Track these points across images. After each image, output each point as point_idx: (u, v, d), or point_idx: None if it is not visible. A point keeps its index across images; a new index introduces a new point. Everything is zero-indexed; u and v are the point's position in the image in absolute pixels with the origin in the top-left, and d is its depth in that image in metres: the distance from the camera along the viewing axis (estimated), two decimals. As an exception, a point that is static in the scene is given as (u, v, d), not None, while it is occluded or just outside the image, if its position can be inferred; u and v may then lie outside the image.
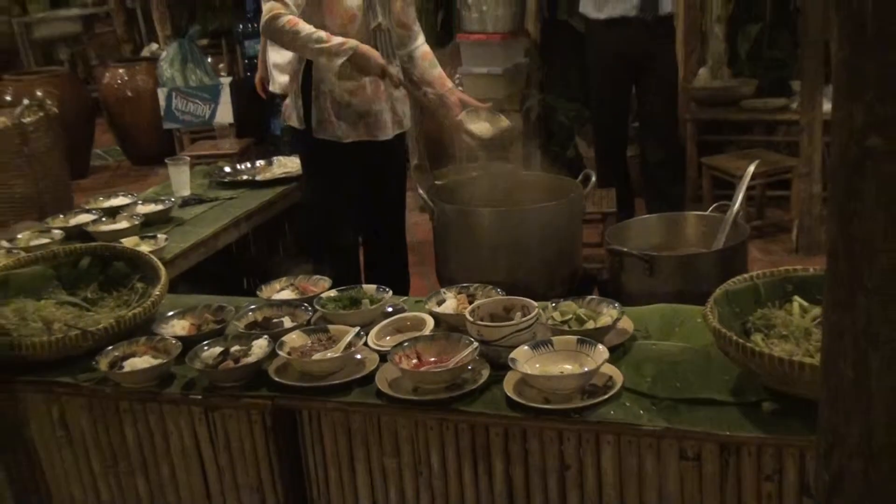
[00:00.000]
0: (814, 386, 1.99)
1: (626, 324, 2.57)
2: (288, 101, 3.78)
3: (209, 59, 7.79)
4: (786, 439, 2.06)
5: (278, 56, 4.91)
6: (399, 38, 3.72)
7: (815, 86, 5.00)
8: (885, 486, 1.40)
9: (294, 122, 3.72)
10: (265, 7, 3.41)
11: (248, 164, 4.58)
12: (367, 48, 3.40)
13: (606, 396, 2.22)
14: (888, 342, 1.32)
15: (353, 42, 3.37)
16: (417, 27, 3.82)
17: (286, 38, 3.40)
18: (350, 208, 3.77)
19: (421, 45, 3.82)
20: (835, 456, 1.39)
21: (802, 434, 2.04)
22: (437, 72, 3.79)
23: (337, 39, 3.36)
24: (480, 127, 3.72)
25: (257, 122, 7.76)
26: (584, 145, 6.36)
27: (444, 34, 7.56)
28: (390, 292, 2.89)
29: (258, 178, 4.40)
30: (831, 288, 1.33)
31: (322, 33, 3.36)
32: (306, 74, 3.60)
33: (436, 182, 3.81)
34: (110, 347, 2.67)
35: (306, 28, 3.36)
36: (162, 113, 7.55)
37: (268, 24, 3.39)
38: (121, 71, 8.18)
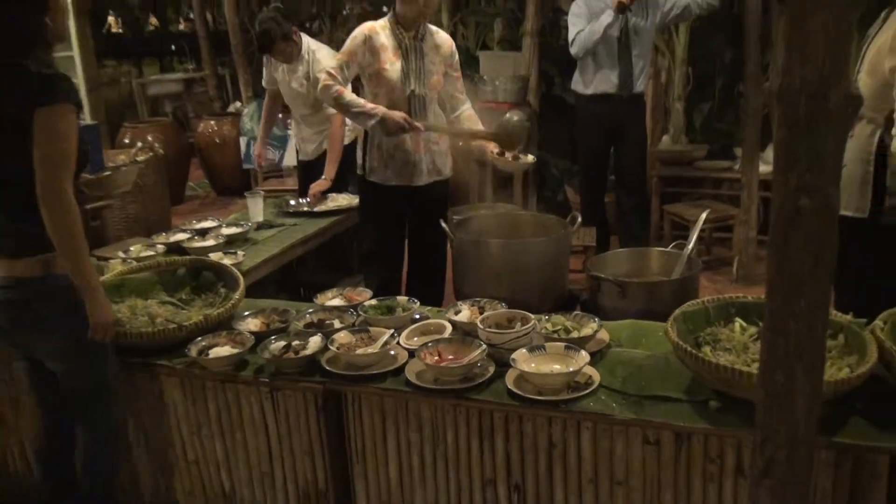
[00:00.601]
0: (750, 389, 1.98)
1: (604, 335, 2.55)
2: (358, 151, 3.78)
3: (280, 115, 7.80)
4: (727, 431, 2.05)
5: (305, 132, 4.85)
6: (450, 105, 3.77)
7: (752, 153, 4.99)
8: (802, 470, 1.40)
9: (357, 168, 3.76)
10: (321, 78, 3.49)
11: (308, 199, 4.58)
12: (392, 114, 3.41)
13: (587, 392, 2.21)
14: (809, 356, 1.33)
15: (381, 109, 3.42)
16: (464, 97, 3.82)
17: (335, 104, 3.50)
18: (393, 236, 3.78)
19: (467, 109, 3.82)
20: (767, 446, 1.39)
21: (740, 427, 2.04)
22: (478, 127, 3.78)
23: (369, 106, 3.44)
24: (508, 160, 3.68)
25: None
26: (571, 192, 6.35)
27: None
28: (418, 303, 2.88)
29: (315, 209, 4.40)
30: (770, 314, 1.33)
31: (360, 101, 3.46)
32: (366, 132, 3.64)
33: (454, 217, 3.79)
34: (199, 338, 2.68)
35: (349, 96, 3.45)
36: (242, 156, 7.60)
37: (322, 92, 3.50)
38: (212, 122, 8.21)
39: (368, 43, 3.50)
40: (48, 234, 2.19)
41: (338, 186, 4.52)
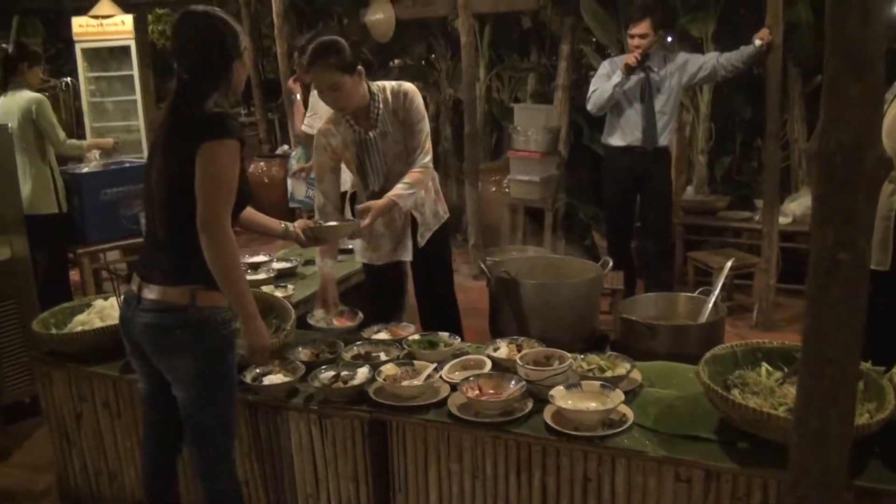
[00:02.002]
0: (777, 431, 1.99)
1: (636, 375, 2.56)
2: None
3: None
4: (754, 471, 2.05)
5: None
6: (410, 159, 3.29)
7: (773, 204, 4.99)
8: (834, 509, 1.40)
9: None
10: (429, 159, 3.25)
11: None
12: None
13: (621, 429, 2.22)
14: (842, 401, 1.33)
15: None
16: (422, 152, 3.27)
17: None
18: (395, 300, 3.60)
19: (416, 167, 3.26)
20: (799, 487, 1.40)
21: (766, 467, 2.03)
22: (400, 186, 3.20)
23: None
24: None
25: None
26: (598, 237, 6.37)
27: (496, 151, 7.67)
28: (459, 339, 2.90)
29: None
30: (806, 360, 1.34)
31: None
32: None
33: (490, 259, 3.81)
34: (253, 366, 2.70)
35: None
36: (288, 195, 7.68)
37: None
38: (261, 163, 8.34)
39: (329, 149, 3.28)
40: (207, 264, 2.21)
41: None
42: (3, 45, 4.84)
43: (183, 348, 2.30)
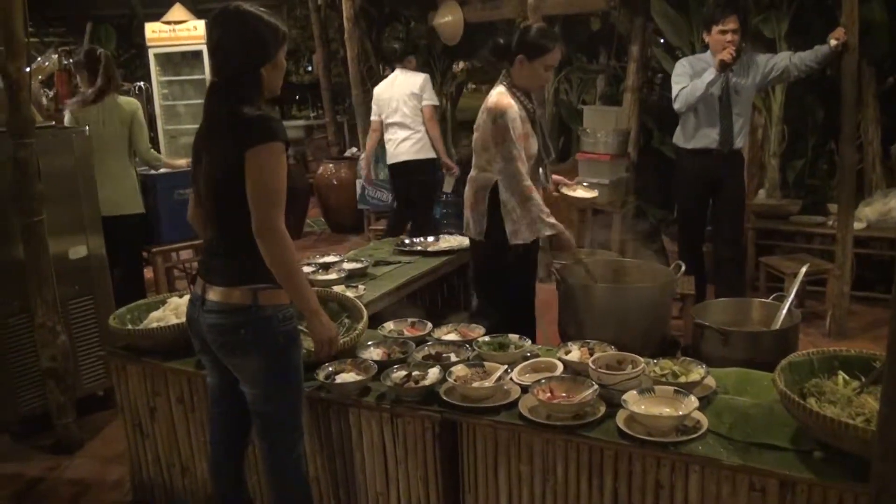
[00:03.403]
0: (854, 442, 1.95)
1: (710, 381, 2.52)
2: (468, 215, 3.64)
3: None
4: (830, 482, 2.01)
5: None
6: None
7: (848, 209, 4.86)
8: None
9: (473, 233, 3.61)
10: (512, 168, 3.37)
11: (423, 238, 4.67)
12: (568, 236, 3.45)
13: (695, 436, 2.19)
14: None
15: (561, 226, 3.41)
16: None
17: (522, 197, 3.39)
18: (522, 289, 3.70)
19: None
20: (883, 498, 1.37)
21: (843, 479, 1.99)
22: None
23: (552, 218, 3.40)
24: (577, 193, 3.77)
25: (423, 208, 7.91)
26: (667, 241, 6.30)
27: (563, 153, 7.65)
28: (529, 341, 2.90)
29: (429, 249, 4.48)
30: (890, 370, 1.32)
31: (545, 208, 3.40)
32: (495, 199, 3.49)
33: (559, 262, 3.81)
34: (326, 364, 2.74)
35: (537, 196, 3.41)
36: (357, 197, 7.79)
37: (516, 182, 3.38)
38: (330, 166, 8.44)
39: (520, 117, 3.43)
40: (267, 266, 2.25)
41: None
42: (76, 55, 4.95)
43: (248, 347, 2.34)
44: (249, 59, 2.29)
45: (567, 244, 3.47)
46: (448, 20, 7.38)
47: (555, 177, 3.83)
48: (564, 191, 3.83)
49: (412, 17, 8.96)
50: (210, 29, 2.35)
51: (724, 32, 4.64)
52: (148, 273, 5.45)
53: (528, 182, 3.38)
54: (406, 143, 6.20)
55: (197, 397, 3.00)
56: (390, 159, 6.43)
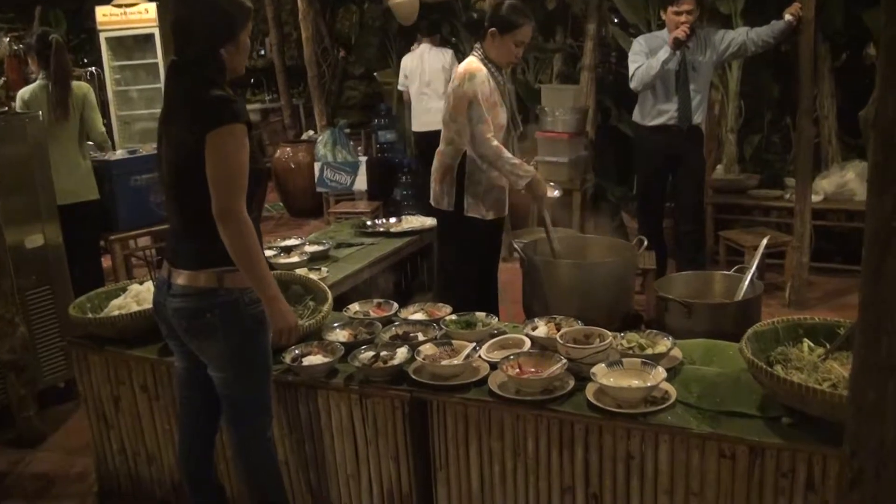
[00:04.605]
0: (821, 407, 1.99)
1: (676, 352, 2.55)
2: (437, 188, 3.71)
3: (351, 143, 7.94)
4: (798, 446, 2.04)
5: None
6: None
7: (805, 182, 4.93)
8: (891, 482, 1.39)
9: (444, 205, 3.67)
10: (479, 129, 3.40)
11: (384, 220, 4.65)
12: (541, 181, 3.50)
13: (664, 406, 2.21)
14: (901, 373, 1.32)
15: (532, 170, 3.46)
16: None
17: (492, 155, 3.42)
18: (477, 264, 3.73)
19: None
20: (856, 459, 1.39)
21: (811, 443, 2.03)
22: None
23: (526, 166, 3.45)
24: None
25: (383, 190, 7.88)
26: (627, 218, 6.34)
27: (522, 132, 7.64)
28: (496, 318, 2.90)
29: (392, 230, 4.46)
30: (862, 331, 1.33)
31: (516, 159, 3.44)
32: (461, 171, 3.56)
33: (520, 240, 3.81)
34: (293, 347, 2.72)
35: (506, 152, 3.43)
36: (316, 180, 7.72)
37: (484, 143, 3.40)
38: (288, 149, 8.34)
39: (490, 84, 3.48)
40: (227, 250, 2.22)
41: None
42: (27, 39, 4.80)
43: (214, 330, 2.31)
44: (212, 37, 2.23)
45: (540, 188, 3.49)
46: (403, 0, 7.32)
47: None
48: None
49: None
50: (174, 4, 2.28)
51: (678, 13, 4.68)
52: (106, 261, 5.35)
53: (496, 142, 3.40)
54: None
55: (161, 385, 2.96)
56: (420, 127, 7.08)
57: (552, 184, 4.03)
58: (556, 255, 3.59)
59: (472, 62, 3.51)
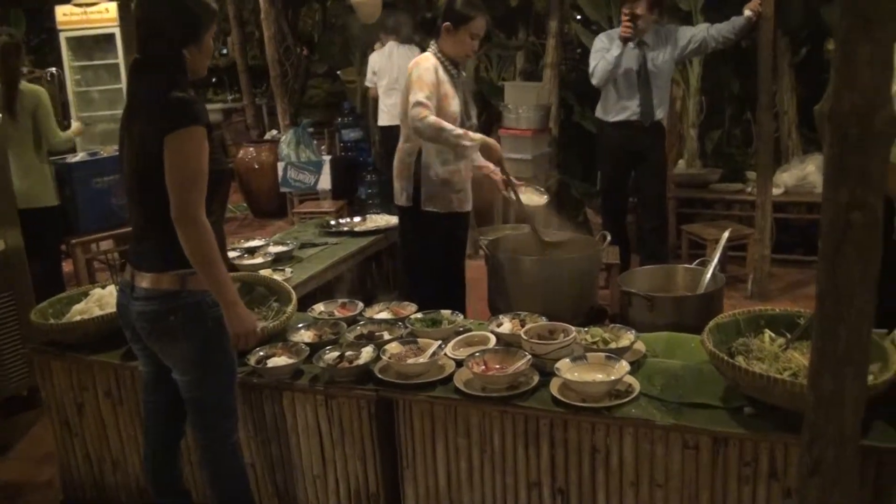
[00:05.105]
0: (782, 396, 2.01)
1: (640, 346, 2.57)
2: (396, 185, 3.71)
3: (315, 142, 7.89)
4: (761, 435, 2.06)
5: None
6: None
7: (766, 175, 4.99)
8: (849, 468, 1.41)
9: (402, 200, 3.67)
10: (415, 111, 3.37)
11: (349, 219, 4.63)
12: (493, 143, 3.47)
13: (628, 399, 2.23)
14: (857, 360, 1.34)
15: (482, 137, 3.45)
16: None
17: (432, 131, 3.36)
18: (439, 260, 3.70)
19: None
20: (815, 446, 1.40)
21: (773, 432, 2.05)
22: (478, 155, 3.72)
23: (471, 133, 3.43)
24: (530, 199, 3.77)
25: (348, 189, 7.84)
26: (591, 213, 6.38)
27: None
28: (461, 316, 2.90)
29: (356, 229, 4.44)
30: (819, 320, 1.35)
31: (459, 129, 3.40)
32: (416, 165, 3.58)
33: (485, 237, 3.82)
34: (257, 349, 2.69)
35: (447, 124, 3.38)
36: (279, 180, 7.66)
37: (420, 121, 3.35)
38: (251, 149, 8.27)
39: (438, 76, 3.48)
40: (185, 253, 2.19)
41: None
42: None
43: (177, 333, 2.29)
44: (176, 38, 2.21)
45: (495, 150, 3.48)
46: (366, -2, 7.29)
47: (503, 176, 3.78)
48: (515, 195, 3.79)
49: (329, -5, 8.86)
50: (139, 3, 2.25)
51: (626, 15, 4.74)
52: (67, 266, 5.27)
53: (434, 116, 3.37)
54: None
55: (125, 390, 2.91)
56: (387, 121, 6.93)
57: (540, 189, 4.04)
58: (536, 229, 3.62)
59: (422, 56, 3.57)
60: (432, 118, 3.36)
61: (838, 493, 1.41)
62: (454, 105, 3.51)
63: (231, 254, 3.93)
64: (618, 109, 4.93)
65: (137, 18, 2.25)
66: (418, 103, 3.38)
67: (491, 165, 3.76)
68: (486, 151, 3.47)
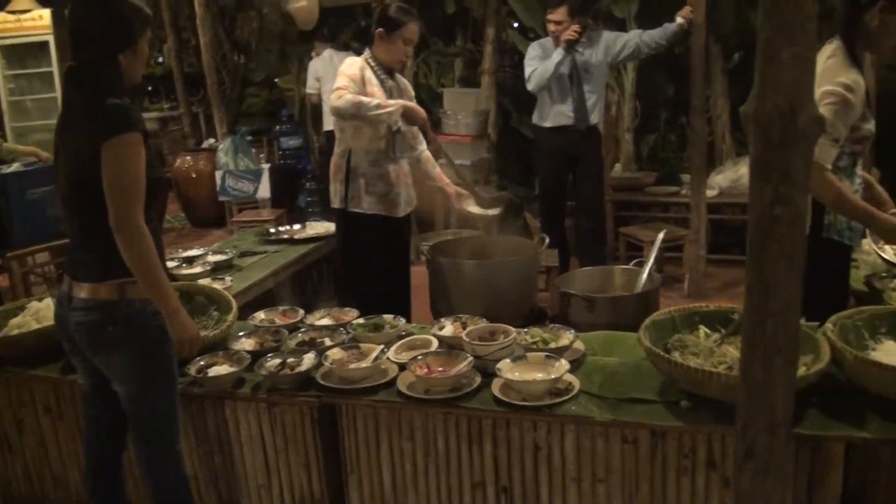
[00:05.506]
0: (718, 389, 2.06)
1: (579, 345, 2.61)
2: (332, 188, 3.72)
3: (253, 150, 7.82)
4: (698, 427, 2.12)
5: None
6: (409, 142, 3.72)
7: (700, 178, 5.11)
8: (782, 452, 1.46)
9: (336, 202, 3.69)
10: (334, 95, 3.38)
11: (289, 227, 4.60)
12: (414, 105, 3.48)
13: (568, 397, 2.26)
14: (786, 350, 1.39)
15: (402, 101, 3.45)
16: (420, 137, 3.82)
17: (352, 108, 3.35)
18: (374, 263, 3.71)
19: (424, 150, 3.85)
20: (748, 432, 1.44)
21: (710, 423, 2.10)
22: (437, 171, 3.85)
23: (390, 101, 3.42)
24: (476, 208, 3.80)
25: (287, 197, 7.78)
26: (530, 217, 6.42)
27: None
28: (403, 320, 2.91)
29: (296, 237, 4.42)
30: (748, 313, 1.38)
31: (378, 100, 3.40)
32: (347, 166, 3.61)
33: (423, 243, 3.85)
34: (198, 358, 2.66)
35: (366, 98, 3.39)
36: (218, 189, 7.56)
37: (339, 99, 3.36)
38: (188, 158, 8.15)
39: (361, 74, 3.51)
40: (125, 261, 2.16)
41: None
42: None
43: (117, 344, 2.26)
44: (111, 44, 2.19)
45: (418, 113, 3.47)
46: (302, 5, 7.25)
47: (456, 188, 3.86)
48: (467, 206, 3.87)
49: (266, 1, 8.76)
50: (71, 8, 2.21)
51: (548, 22, 4.84)
52: (3, 280, 5.12)
53: (350, 94, 3.38)
54: None
55: (65, 404, 2.85)
56: (331, 126, 6.85)
57: (492, 196, 4.07)
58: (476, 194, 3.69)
59: (350, 59, 3.62)
60: (350, 95, 3.37)
61: (771, 477, 1.45)
62: None
63: (169, 263, 3.86)
64: (553, 114, 5.01)
65: (70, 26, 2.22)
66: (336, 88, 3.41)
67: (445, 178, 3.80)
68: (409, 116, 3.47)
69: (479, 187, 3.95)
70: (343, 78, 3.45)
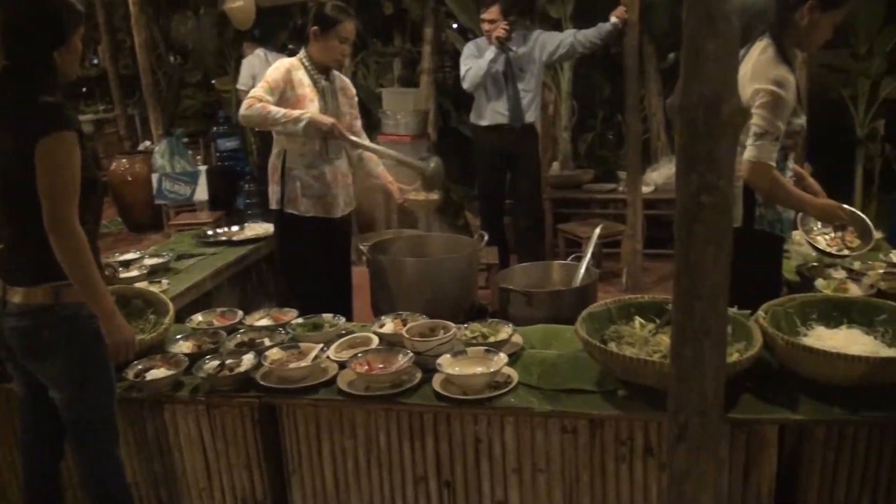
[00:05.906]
0: (653, 376, 2.10)
1: (517, 338, 2.63)
2: (269, 188, 3.71)
3: (190, 152, 7.70)
4: (635, 415, 2.16)
5: None
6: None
7: (636, 174, 5.20)
8: (714, 432, 1.49)
9: (273, 204, 3.68)
10: (245, 102, 3.38)
11: (227, 228, 4.54)
12: (320, 116, 3.40)
13: (507, 389, 2.28)
14: (714, 332, 1.42)
15: (309, 112, 3.39)
16: (364, 135, 3.82)
17: (259, 118, 3.35)
18: (311, 264, 3.70)
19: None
20: (681, 414, 1.48)
21: (646, 411, 2.15)
22: (381, 169, 3.85)
23: (297, 111, 3.37)
24: (416, 194, 3.84)
25: (225, 199, 7.68)
26: (470, 216, 6.47)
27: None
28: (343, 319, 2.89)
29: (234, 238, 4.36)
30: (677, 297, 1.41)
31: (284, 110, 3.37)
32: (283, 167, 3.59)
33: (364, 243, 3.83)
34: (135, 362, 2.61)
35: (274, 108, 3.36)
36: (154, 192, 7.42)
37: (247, 109, 3.36)
38: (124, 161, 7.99)
39: (289, 77, 3.49)
40: (59, 262, 2.12)
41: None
42: None
43: (52, 349, 2.21)
44: (44, 40, 2.14)
45: (324, 121, 3.38)
46: (239, 4, 7.16)
47: (399, 185, 3.87)
48: (410, 196, 3.89)
49: (202, 1, 8.64)
50: (2, 5, 2.15)
51: (482, 21, 4.88)
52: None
53: (260, 104, 3.35)
54: None
55: (1, 413, 2.77)
56: None
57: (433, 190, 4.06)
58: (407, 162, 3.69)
59: (280, 60, 3.60)
60: (258, 105, 3.35)
61: (704, 458, 1.48)
62: (311, 108, 3.49)
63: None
64: (488, 113, 5.05)
65: (1, 23, 2.16)
66: (249, 96, 3.40)
67: (389, 176, 3.79)
68: (315, 125, 3.38)
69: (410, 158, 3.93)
70: (261, 86, 3.44)
